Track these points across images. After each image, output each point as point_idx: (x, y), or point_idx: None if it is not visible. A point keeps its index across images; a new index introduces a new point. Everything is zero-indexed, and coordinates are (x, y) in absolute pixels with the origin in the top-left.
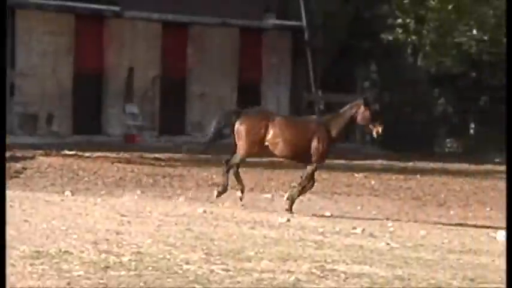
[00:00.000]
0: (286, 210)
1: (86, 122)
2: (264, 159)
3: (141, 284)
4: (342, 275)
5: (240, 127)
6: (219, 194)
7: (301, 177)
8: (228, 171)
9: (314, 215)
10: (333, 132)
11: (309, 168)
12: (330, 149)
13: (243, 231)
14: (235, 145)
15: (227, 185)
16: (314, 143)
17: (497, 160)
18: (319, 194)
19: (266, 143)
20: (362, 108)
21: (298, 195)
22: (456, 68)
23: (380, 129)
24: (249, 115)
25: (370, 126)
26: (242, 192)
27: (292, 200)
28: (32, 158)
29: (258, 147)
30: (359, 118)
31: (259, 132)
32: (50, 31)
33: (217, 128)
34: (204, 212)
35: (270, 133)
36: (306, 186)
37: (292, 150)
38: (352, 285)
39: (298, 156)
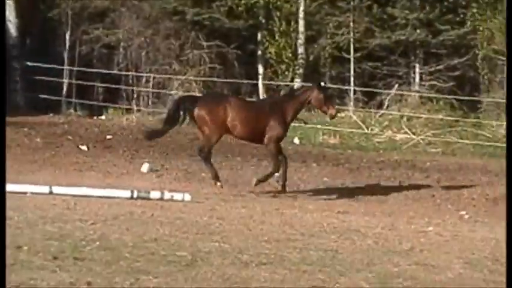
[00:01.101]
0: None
1: None
2: None
3: None
4: None
5: (200, 113)
6: (217, 179)
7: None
8: (206, 159)
9: None
10: (288, 114)
11: (269, 149)
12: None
13: None
14: (200, 131)
15: (216, 171)
16: (270, 124)
17: None
18: None
19: (228, 125)
20: (316, 91)
21: (265, 179)
22: None
23: (333, 112)
24: (206, 100)
25: (324, 108)
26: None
27: (257, 182)
28: None
29: (224, 130)
30: (313, 100)
31: (220, 115)
32: None
33: (172, 114)
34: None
35: (229, 115)
36: (275, 166)
37: (250, 131)
38: None
39: (256, 137)
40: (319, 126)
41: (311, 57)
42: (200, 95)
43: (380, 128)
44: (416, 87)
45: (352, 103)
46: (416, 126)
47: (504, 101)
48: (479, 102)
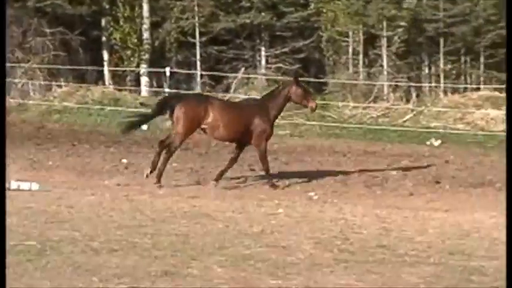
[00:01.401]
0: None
1: None
2: None
3: None
4: None
5: (179, 112)
6: (150, 173)
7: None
8: (160, 152)
9: None
10: (271, 112)
11: (259, 150)
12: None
13: None
14: (174, 127)
15: (157, 164)
16: (255, 124)
17: None
18: None
19: (203, 126)
20: (294, 86)
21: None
22: None
23: (314, 105)
24: (188, 100)
25: (304, 102)
26: (151, 172)
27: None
28: None
29: (194, 131)
30: (293, 96)
31: (198, 116)
32: None
33: (154, 113)
34: None
35: (210, 117)
36: (266, 166)
37: (233, 133)
38: None
39: (237, 138)
40: None
41: (156, 43)
42: (185, 93)
43: None
44: (263, 70)
45: (199, 87)
46: None
47: (349, 81)
48: (325, 84)
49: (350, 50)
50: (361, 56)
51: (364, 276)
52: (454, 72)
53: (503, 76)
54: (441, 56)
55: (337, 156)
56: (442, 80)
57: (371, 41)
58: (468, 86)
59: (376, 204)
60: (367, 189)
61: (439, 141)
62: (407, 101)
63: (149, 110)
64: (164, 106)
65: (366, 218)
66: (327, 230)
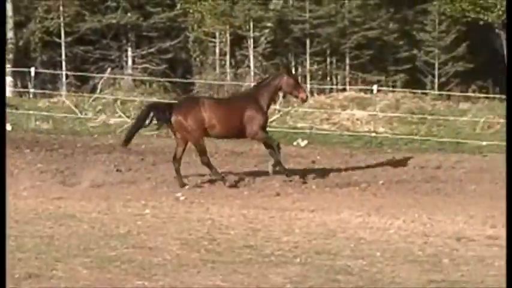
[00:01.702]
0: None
1: None
2: None
3: None
4: None
5: (177, 119)
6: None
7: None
8: (179, 168)
9: None
10: (261, 102)
11: (257, 139)
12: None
13: None
14: (178, 138)
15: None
16: (248, 116)
17: None
18: None
19: (205, 126)
20: (285, 77)
21: (278, 163)
22: None
23: (304, 95)
24: (180, 106)
25: (295, 93)
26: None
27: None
28: None
29: (204, 132)
30: (284, 86)
31: (196, 119)
32: None
33: (141, 122)
34: None
35: (205, 117)
36: (273, 148)
37: (229, 128)
38: None
39: (235, 133)
40: (31, 112)
41: (21, 42)
42: (171, 102)
43: (94, 112)
44: (129, 71)
45: (64, 88)
46: (130, 109)
47: (216, 82)
48: (192, 84)
49: (217, 50)
50: (228, 57)
51: (230, 276)
52: (320, 73)
53: (368, 77)
54: (307, 57)
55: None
56: (308, 81)
57: (238, 41)
58: (334, 86)
59: (243, 204)
60: (234, 189)
61: (305, 142)
62: (274, 101)
63: (135, 120)
64: (147, 117)
65: (232, 219)
66: (194, 230)
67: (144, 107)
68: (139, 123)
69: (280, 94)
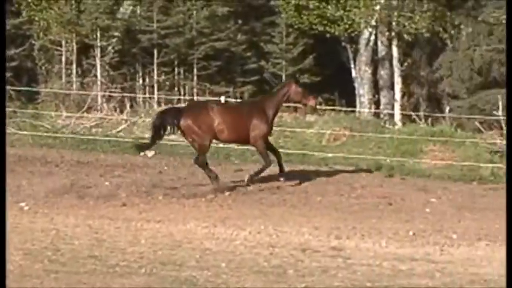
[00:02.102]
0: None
1: None
2: None
3: None
4: None
5: (186, 124)
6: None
7: None
8: (203, 166)
9: None
10: (269, 112)
11: (256, 147)
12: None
13: None
14: (190, 141)
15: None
16: (253, 123)
17: None
18: None
19: (215, 130)
20: (294, 86)
21: (257, 175)
22: None
23: (314, 103)
24: (190, 111)
25: (304, 101)
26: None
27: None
28: None
29: (213, 136)
30: (292, 95)
31: (206, 123)
32: None
33: (158, 128)
34: None
35: (215, 121)
36: (266, 161)
37: (236, 134)
38: None
39: (242, 138)
40: None
41: None
42: (182, 106)
43: None
44: None
45: None
46: None
47: (62, 91)
48: (38, 93)
49: (63, 59)
50: (74, 66)
51: (74, 287)
52: (167, 83)
53: (216, 88)
54: (155, 67)
55: (49, 166)
56: (156, 91)
57: (84, 50)
58: (182, 97)
59: (88, 214)
60: (80, 199)
61: (152, 152)
62: (121, 111)
63: (155, 128)
64: (166, 121)
65: (77, 229)
66: (38, 240)
67: (155, 115)
68: (158, 132)
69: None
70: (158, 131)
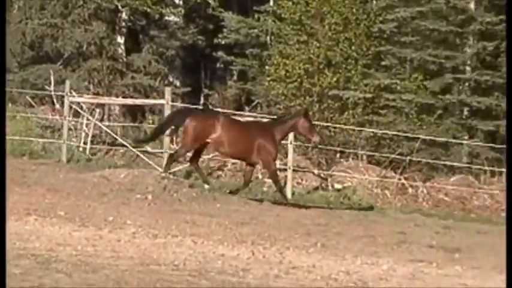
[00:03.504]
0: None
1: None
2: None
3: None
4: None
5: (187, 125)
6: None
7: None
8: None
9: None
10: (276, 136)
11: (269, 172)
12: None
13: None
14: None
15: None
16: (260, 145)
17: None
18: None
19: (208, 140)
20: (302, 119)
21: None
22: None
23: (317, 139)
24: (198, 115)
25: (309, 136)
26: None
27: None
28: None
29: (199, 144)
30: (300, 128)
31: (204, 130)
32: None
33: (166, 125)
34: None
35: (216, 132)
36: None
37: (237, 150)
38: None
39: (241, 155)
40: None
41: None
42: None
43: None
44: None
45: None
46: None
47: None
48: None
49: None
50: None
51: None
52: None
53: None
54: None
55: None
56: None
57: None
58: None
59: None
60: None
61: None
62: None
63: (161, 123)
64: (175, 119)
65: None
66: None
67: (172, 112)
68: (164, 126)
69: None
70: (165, 124)
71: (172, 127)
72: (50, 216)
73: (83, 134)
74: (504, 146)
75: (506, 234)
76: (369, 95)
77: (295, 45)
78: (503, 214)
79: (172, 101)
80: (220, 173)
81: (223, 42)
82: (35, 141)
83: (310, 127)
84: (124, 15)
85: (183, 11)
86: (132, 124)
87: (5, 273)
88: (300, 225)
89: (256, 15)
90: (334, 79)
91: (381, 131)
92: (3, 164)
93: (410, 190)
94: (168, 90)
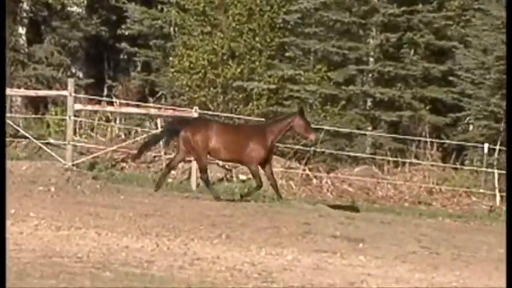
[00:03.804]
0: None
1: None
2: None
3: None
4: None
5: (185, 135)
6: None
7: None
8: (208, 184)
9: None
10: (269, 137)
11: (251, 169)
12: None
13: None
14: (179, 148)
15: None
16: (250, 147)
17: None
18: None
19: (210, 148)
20: (298, 118)
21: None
22: None
23: (313, 138)
24: (191, 125)
25: (305, 134)
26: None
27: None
28: None
29: (206, 150)
30: (295, 127)
31: (203, 138)
32: None
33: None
34: None
35: (212, 139)
36: (258, 184)
37: (232, 153)
38: None
39: (236, 159)
40: None
41: None
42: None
43: None
44: None
45: None
46: None
47: None
48: None
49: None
50: None
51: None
52: None
53: None
54: None
55: None
56: None
57: None
58: None
59: None
60: None
61: None
62: None
63: (159, 133)
64: (172, 130)
65: None
66: None
67: (167, 123)
68: (159, 137)
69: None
70: (159, 136)
71: (165, 138)
72: None
73: None
74: (407, 136)
75: (507, 234)
76: (273, 86)
77: (199, 36)
78: (406, 204)
79: (75, 92)
80: (124, 164)
81: (126, 33)
82: None
83: (306, 126)
84: (25, 6)
85: (85, 1)
86: (34, 116)
87: (5, 273)
88: (204, 216)
89: (159, 6)
90: (238, 70)
91: None
92: (3, 164)
93: (314, 181)
94: (71, 82)
